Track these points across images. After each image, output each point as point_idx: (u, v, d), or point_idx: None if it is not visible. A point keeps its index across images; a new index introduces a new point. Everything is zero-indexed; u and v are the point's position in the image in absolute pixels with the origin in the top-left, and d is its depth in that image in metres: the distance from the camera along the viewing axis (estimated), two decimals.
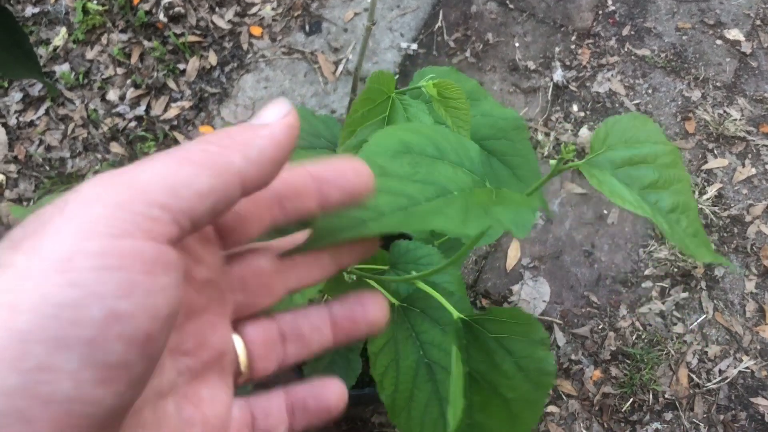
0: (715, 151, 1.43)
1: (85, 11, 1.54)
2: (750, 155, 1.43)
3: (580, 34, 1.56)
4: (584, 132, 1.45)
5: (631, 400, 1.22)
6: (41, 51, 1.51)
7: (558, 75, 1.50)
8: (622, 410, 1.21)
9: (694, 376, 1.24)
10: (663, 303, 1.30)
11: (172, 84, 1.49)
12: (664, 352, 1.25)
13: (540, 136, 1.44)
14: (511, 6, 1.60)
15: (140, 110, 1.46)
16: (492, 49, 1.54)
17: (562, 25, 1.57)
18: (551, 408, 1.21)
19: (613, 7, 1.60)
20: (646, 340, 1.27)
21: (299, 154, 0.66)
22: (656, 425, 1.21)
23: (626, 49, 1.54)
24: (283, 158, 0.22)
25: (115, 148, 1.42)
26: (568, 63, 1.53)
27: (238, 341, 0.26)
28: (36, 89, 1.48)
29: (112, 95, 1.48)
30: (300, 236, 0.27)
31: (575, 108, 1.48)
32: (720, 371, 1.24)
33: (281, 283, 0.26)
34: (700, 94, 1.49)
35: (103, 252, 0.18)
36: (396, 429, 1.16)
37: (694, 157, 1.43)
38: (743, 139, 1.44)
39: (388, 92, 0.56)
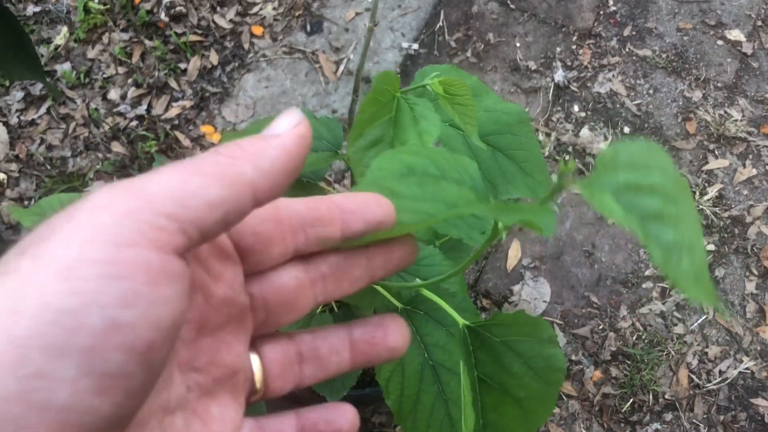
0: (716, 152, 1.44)
1: (87, 10, 1.54)
2: (751, 156, 1.43)
3: (581, 34, 1.56)
4: (585, 132, 1.45)
5: (631, 400, 1.22)
6: (42, 50, 1.51)
7: (559, 75, 1.50)
8: (622, 411, 1.22)
9: (694, 377, 1.24)
10: (663, 303, 1.30)
11: (173, 83, 1.49)
12: (665, 353, 1.26)
13: (541, 137, 1.44)
14: (513, 6, 1.60)
15: (141, 109, 1.46)
16: (493, 49, 1.54)
17: (563, 25, 1.58)
18: None
19: (614, 8, 1.60)
20: (646, 341, 1.27)
21: None
22: (656, 426, 1.21)
23: (627, 50, 1.54)
24: (295, 168, 0.22)
25: (116, 147, 1.42)
26: (569, 63, 1.53)
27: (255, 360, 0.26)
28: (37, 88, 1.48)
29: (114, 94, 1.48)
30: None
31: (576, 108, 1.48)
32: (720, 372, 1.24)
33: (307, 298, 0.26)
34: (701, 95, 1.49)
35: (107, 260, 0.18)
36: (398, 429, 1.16)
37: (694, 157, 1.43)
38: (744, 139, 1.44)
39: (393, 92, 0.56)
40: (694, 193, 1.39)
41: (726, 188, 1.40)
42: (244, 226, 0.24)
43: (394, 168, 0.28)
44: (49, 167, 1.40)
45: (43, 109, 1.46)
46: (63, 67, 1.49)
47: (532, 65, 1.52)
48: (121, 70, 1.51)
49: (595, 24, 1.58)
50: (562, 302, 1.30)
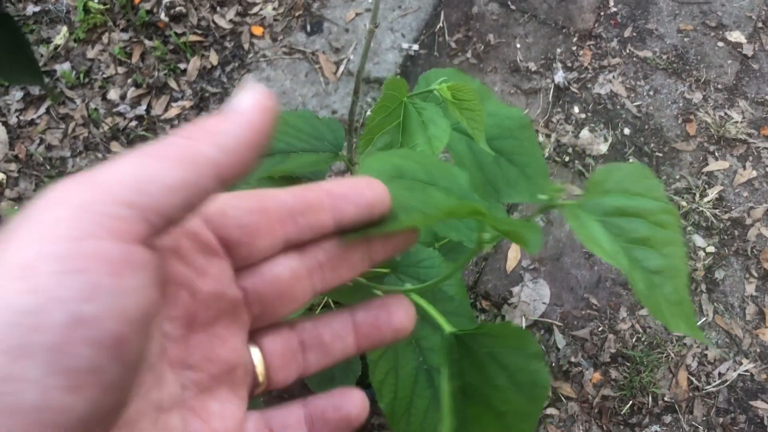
0: (716, 154, 1.43)
1: (86, 10, 1.54)
2: (751, 158, 1.43)
3: (581, 35, 1.56)
4: (585, 134, 1.45)
5: (631, 402, 1.22)
6: (42, 50, 1.51)
7: (559, 76, 1.50)
8: (622, 413, 1.21)
9: (693, 379, 1.24)
10: None
11: (173, 83, 1.49)
12: (664, 355, 1.25)
13: (541, 138, 1.44)
14: (513, 7, 1.59)
15: (141, 110, 1.46)
16: (493, 50, 1.54)
17: (563, 26, 1.57)
18: (550, 410, 1.21)
19: (614, 9, 1.60)
20: (645, 343, 1.27)
21: (303, 158, 0.66)
22: (655, 428, 1.21)
23: (628, 51, 1.54)
24: (261, 143, 0.21)
25: (116, 147, 1.42)
26: (569, 64, 1.52)
27: (255, 353, 0.25)
28: (37, 88, 1.48)
29: (113, 94, 1.48)
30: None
31: (576, 109, 1.48)
32: (719, 374, 1.24)
33: (304, 288, 0.25)
34: (701, 96, 1.49)
35: (65, 255, 0.17)
36: None
37: (695, 159, 1.43)
38: (744, 141, 1.44)
39: (400, 98, 0.56)
40: (694, 194, 1.39)
41: (726, 190, 1.40)
42: (228, 219, 0.24)
43: (384, 169, 0.27)
44: (48, 167, 1.40)
45: (42, 109, 1.46)
46: (62, 67, 1.49)
47: (533, 66, 1.52)
48: (121, 70, 1.51)
49: (596, 25, 1.57)
50: (562, 304, 1.30)
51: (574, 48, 1.54)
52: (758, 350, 1.26)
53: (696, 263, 1.33)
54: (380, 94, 0.66)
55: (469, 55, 1.53)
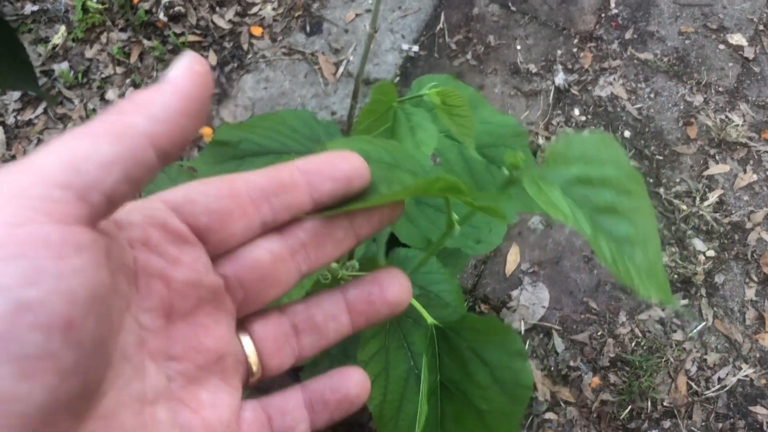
0: (717, 157, 1.43)
1: (85, 9, 1.53)
2: (751, 161, 1.43)
3: (582, 37, 1.55)
4: None
5: (630, 407, 1.22)
6: (40, 49, 1.50)
7: (560, 78, 1.50)
8: (621, 418, 1.21)
9: (693, 384, 1.24)
10: (662, 310, 1.29)
11: None
12: (663, 360, 1.25)
13: (541, 140, 1.44)
14: (513, 8, 1.59)
15: None
16: (493, 51, 1.53)
17: (564, 28, 1.57)
18: (549, 415, 1.21)
19: (615, 11, 1.59)
20: (645, 347, 1.26)
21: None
22: None
23: (629, 53, 1.53)
24: (195, 109, 0.21)
25: None
26: (570, 66, 1.52)
27: (246, 341, 0.25)
28: None
29: (112, 94, 1.47)
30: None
31: (577, 112, 1.47)
32: (719, 379, 1.24)
33: (288, 270, 0.25)
34: (702, 99, 1.48)
35: (2, 242, 0.17)
36: None
37: (695, 162, 1.42)
38: (745, 145, 1.44)
39: (390, 102, 0.55)
40: (695, 198, 1.38)
41: (726, 194, 1.39)
42: (197, 206, 0.23)
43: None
44: None
45: (40, 109, 1.45)
46: (61, 67, 1.48)
47: (533, 68, 1.51)
48: (120, 70, 1.50)
49: (597, 27, 1.57)
50: (561, 308, 1.29)
51: (575, 50, 1.54)
52: (758, 355, 1.25)
53: (696, 267, 1.32)
54: None
55: (469, 56, 1.53)
